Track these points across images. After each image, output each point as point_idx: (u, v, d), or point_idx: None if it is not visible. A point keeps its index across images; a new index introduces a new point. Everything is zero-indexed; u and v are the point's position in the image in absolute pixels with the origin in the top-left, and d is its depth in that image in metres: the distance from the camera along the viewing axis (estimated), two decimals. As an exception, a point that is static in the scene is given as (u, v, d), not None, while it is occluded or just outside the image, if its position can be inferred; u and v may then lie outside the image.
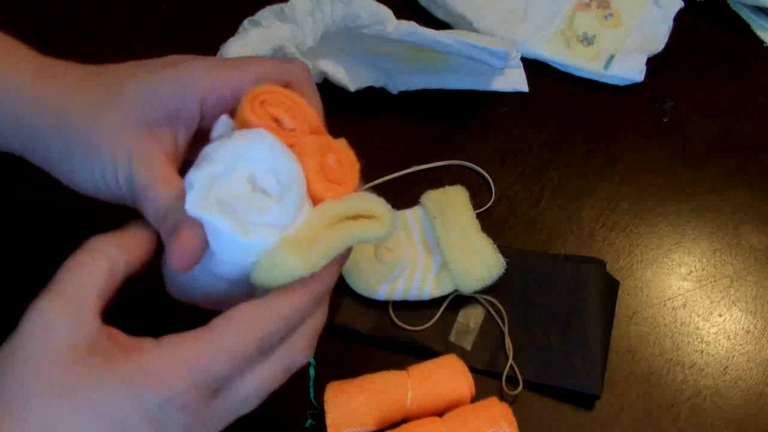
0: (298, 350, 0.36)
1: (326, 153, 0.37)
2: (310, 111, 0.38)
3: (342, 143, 0.38)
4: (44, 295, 0.33)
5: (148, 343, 0.33)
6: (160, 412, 0.31)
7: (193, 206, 0.33)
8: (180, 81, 0.37)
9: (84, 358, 0.31)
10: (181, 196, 0.34)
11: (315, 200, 0.36)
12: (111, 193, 0.37)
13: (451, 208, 0.55)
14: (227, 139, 0.35)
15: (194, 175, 0.34)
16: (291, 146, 0.36)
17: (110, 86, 0.38)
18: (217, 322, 0.33)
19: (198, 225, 0.34)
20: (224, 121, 0.37)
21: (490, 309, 0.54)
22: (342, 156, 0.37)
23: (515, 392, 0.51)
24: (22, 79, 0.38)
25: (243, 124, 0.36)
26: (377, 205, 0.36)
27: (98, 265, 0.34)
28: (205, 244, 0.34)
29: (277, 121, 0.37)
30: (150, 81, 0.37)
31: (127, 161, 0.36)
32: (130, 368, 0.31)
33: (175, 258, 0.34)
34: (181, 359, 0.32)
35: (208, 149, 0.35)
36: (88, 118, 0.37)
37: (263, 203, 0.34)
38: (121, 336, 0.33)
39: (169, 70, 0.38)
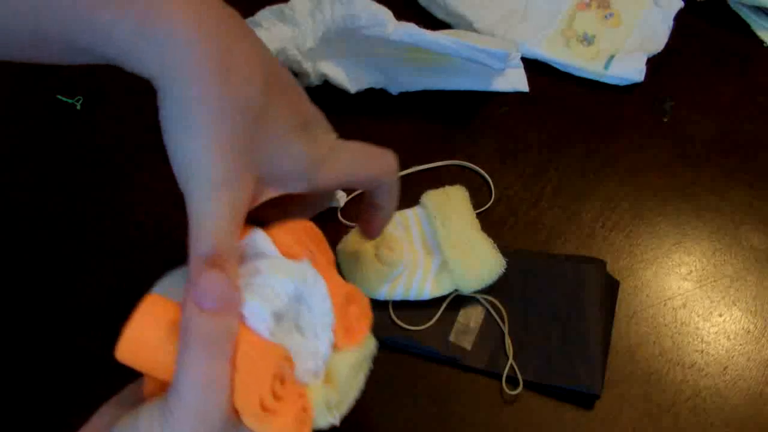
0: None
1: (350, 303, 0.36)
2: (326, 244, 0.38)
3: (359, 294, 0.37)
4: None
5: None
6: None
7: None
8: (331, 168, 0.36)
9: None
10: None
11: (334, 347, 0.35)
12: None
13: (451, 208, 0.55)
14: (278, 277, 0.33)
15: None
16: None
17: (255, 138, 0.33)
18: None
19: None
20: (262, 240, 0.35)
21: (490, 309, 0.54)
22: (360, 305, 0.37)
23: (515, 392, 0.51)
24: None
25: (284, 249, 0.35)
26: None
27: None
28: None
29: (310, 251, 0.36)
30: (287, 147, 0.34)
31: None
32: None
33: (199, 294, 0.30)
34: None
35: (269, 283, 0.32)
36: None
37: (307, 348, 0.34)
38: None
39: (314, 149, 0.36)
